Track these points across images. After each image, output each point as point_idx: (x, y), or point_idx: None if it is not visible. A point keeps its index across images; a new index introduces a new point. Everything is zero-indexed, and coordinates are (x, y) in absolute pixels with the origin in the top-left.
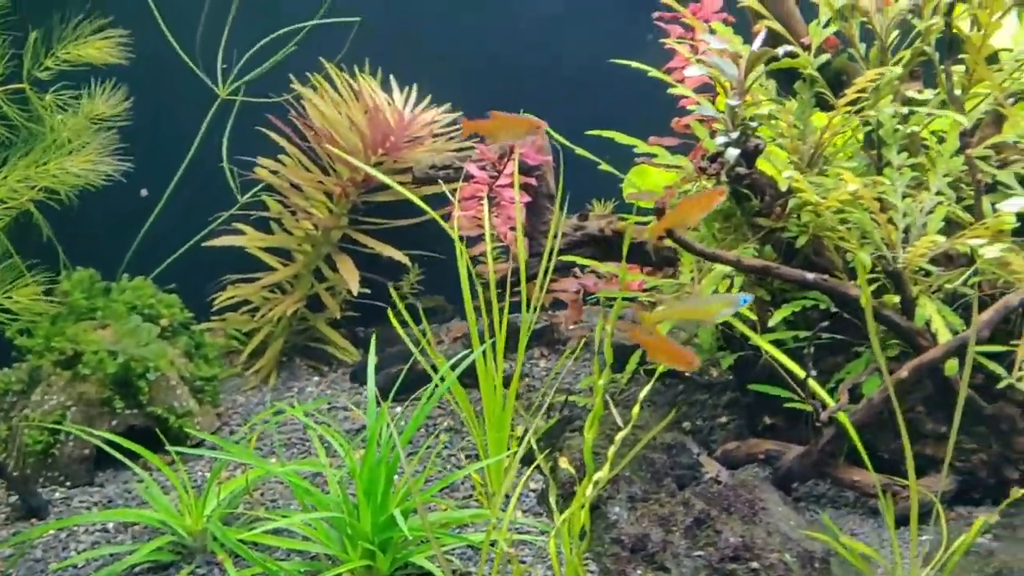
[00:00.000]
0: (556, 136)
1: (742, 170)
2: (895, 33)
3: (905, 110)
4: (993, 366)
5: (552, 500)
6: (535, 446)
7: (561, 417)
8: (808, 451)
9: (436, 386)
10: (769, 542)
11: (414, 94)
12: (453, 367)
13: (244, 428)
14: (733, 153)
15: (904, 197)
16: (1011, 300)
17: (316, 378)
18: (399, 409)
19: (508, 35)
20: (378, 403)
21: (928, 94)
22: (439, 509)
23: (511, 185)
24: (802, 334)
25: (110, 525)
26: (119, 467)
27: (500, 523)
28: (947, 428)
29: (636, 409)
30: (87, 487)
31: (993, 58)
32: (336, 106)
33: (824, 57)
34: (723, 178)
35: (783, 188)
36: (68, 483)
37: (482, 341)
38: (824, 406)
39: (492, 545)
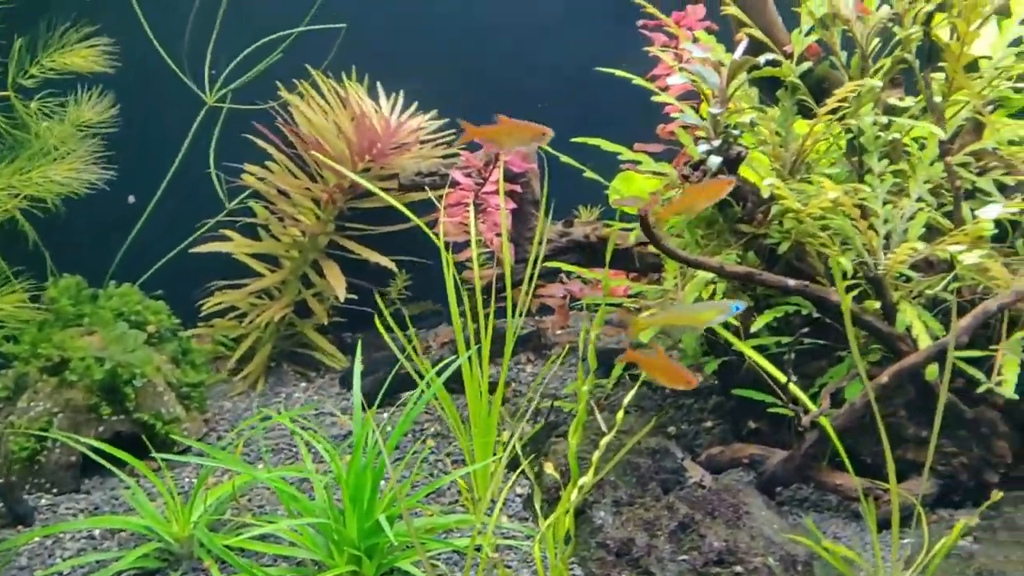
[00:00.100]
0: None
1: (724, 177)
2: (876, 41)
3: (885, 119)
4: (973, 371)
5: (537, 505)
6: (520, 452)
7: (547, 422)
8: (791, 455)
9: (422, 392)
10: (753, 546)
11: (400, 101)
12: (439, 373)
13: (231, 434)
14: (715, 161)
15: (885, 204)
16: (989, 305)
17: (304, 384)
18: (386, 415)
19: (494, 42)
20: (364, 409)
21: (909, 101)
22: (425, 515)
23: (497, 192)
24: (785, 339)
25: (96, 532)
26: (106, 474)
27: (485, 528)
28: (928, 432)
29: (620, 414)
30: (73, 494)
31: (973, 66)
32: (323, 113)
33: (806, 65)
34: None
35: (765, 195)
36: (54, 490)
37: (469, 347)
38: (806, 411)
39: (477, 550)
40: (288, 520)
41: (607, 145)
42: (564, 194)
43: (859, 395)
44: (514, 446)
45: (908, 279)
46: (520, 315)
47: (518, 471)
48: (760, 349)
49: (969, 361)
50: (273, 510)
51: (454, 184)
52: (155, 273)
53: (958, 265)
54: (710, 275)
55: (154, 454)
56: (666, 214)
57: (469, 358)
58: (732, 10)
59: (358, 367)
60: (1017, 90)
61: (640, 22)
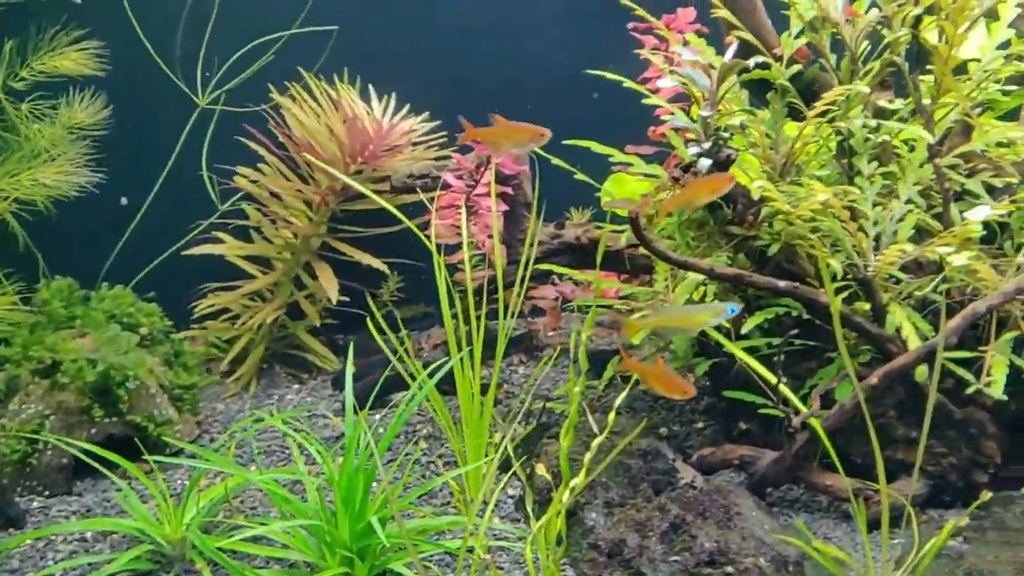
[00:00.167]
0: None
1: None
2: (865, 44)
3: (874, 123)
4: (962, 372)
5: (529, 506)
6: (512, 453)
7: (539, 424)
8: (781, 456)
9: (414, 394)
10: (744, 546)
11: (392, 103)
12: (431, 374)
13: (224, 436)
14: (706, 163)
15: (875, 205)
16: (978, 307)
17: (296, 386)
18: (378, 416)
19: (486, 44)
20: (356, 411)
21: (899, 103)
22: (417, 516)
23: (488, 194)
24: (775, 341)
25: (88, 534)
26: (98, 476)
27: (477, 529)
28: (918, 433)
29: (612, 415)
30: (65, 496)
31: (962, 68)
32: (315, 115)
33: (796, 67)
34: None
35: (755, 197)
36: (46, 492)
37: (460, 348)
38: (797, 412)
39: (469, 552)
40: (280, 522)
41: (598, 147)
42: (556, 196)
43: (849, 396)
44: (506, 448)
45: (898, 280)
46: (512, 317)
47: (510, 473)
48: (751, 350)
49: (958, 362)
50: (266, 512)
51: (446, 186)
52: (148, 275)
53: (947, 267)
54: (700, 277)
55: (146, 456)
56: (668, 207)
57: (461, 360)
58: (722, 13)
59: (350, 369)
60: (1005, 92)
61: (630, 25)
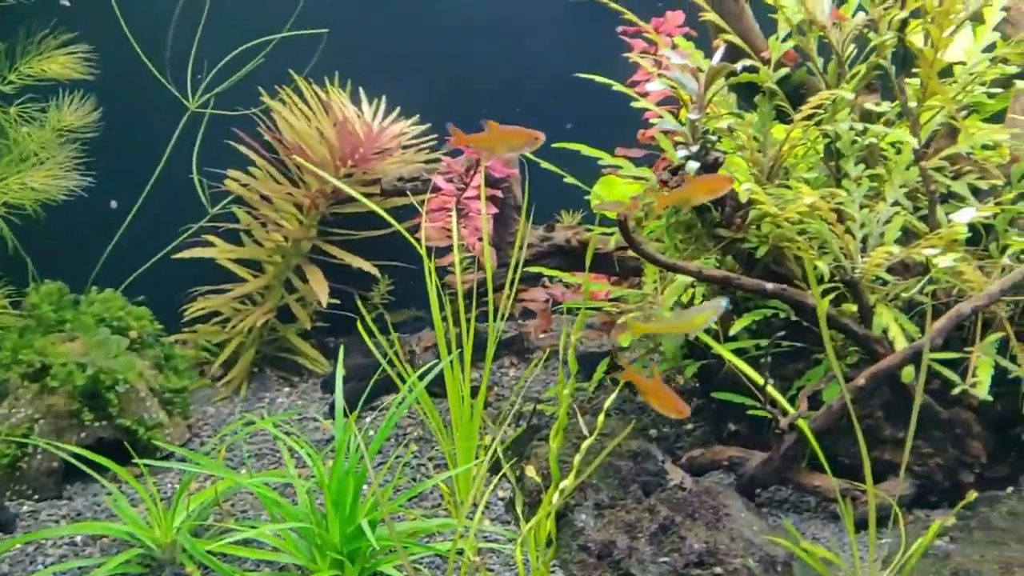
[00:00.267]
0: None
1: None
2: (851, 47)
3: (861, 126)
4: (948, 373)
5: (519, 508)
6: (501, 456)
7: (529, 426)
8: (770, 457)
9: (404, 397)
10: (732, 547)
11: (383, 106)
12: (421, 377)
13: (214, 439)
14: (693, 166)
15: (862, 208)
16: (963, 308)
17: (287, 389)
18: (369, 419)
19: (477, 47)
20: (346, 414)
21: (886, 106)
22: (407, 519)
23: (478, 197)
24: (764, 342)
25: (78, 538)
26: (88, 480)
27: (467, 532)
28: (904, 433)
29: (601, 417)
30: (55, 500)
31: (948, 71)
32: (305, 119)
33: (783, 71)
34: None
35: (743, 200)
36: (36, 496)
37: (451, 351)
38: (785, 413)
39: (459, 554)
40: (271, 525)
41: (587, 150)
42: (546, 199)
43: (836, 397)
44: (495, 450)
45: (885, 282)
46: (502, 319)
47: (499, 475)
48: (739, 352)
49: (944, 363)
50: (256, 515)
51: (436, 189)
52: (138, 278)
53: (933, 268)
54: (689, 279)
55: (136, 460)
56: (664, 203)
57: (451, 362)
58: (710, 16)
59: (340, 372)
60: (991, 95)
61: (620, 28)
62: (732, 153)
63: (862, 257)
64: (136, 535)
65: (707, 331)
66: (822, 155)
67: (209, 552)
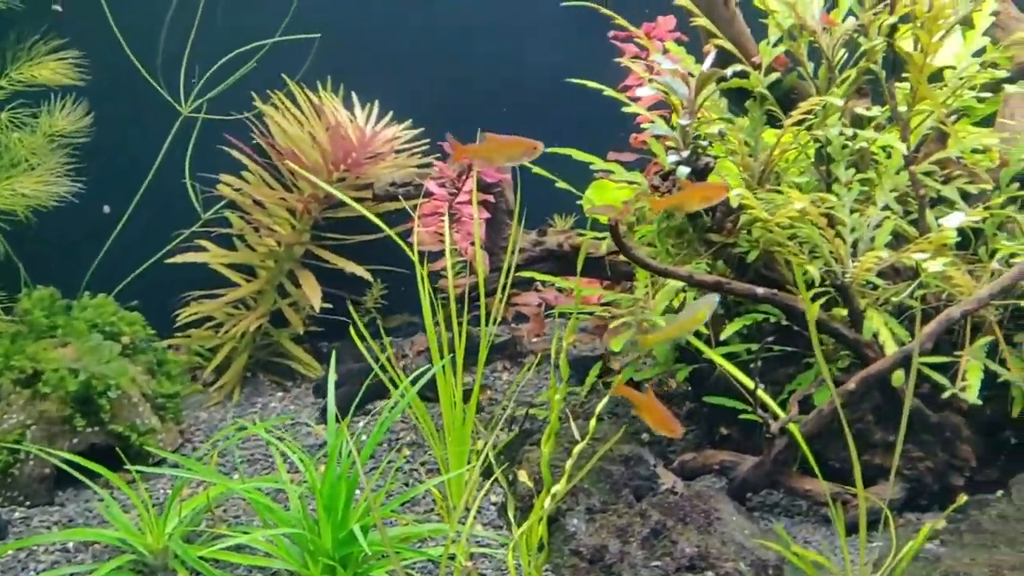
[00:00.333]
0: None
1: None
2: (842, 52)
3: (851, 131)
4: (938, 377)
5: (511, 513)
6: (493, 460)
7: (521, 430)
8: (761, 461)
9: (396, 402)
10: (724, 551)
11: (375, 110)
12: (413, 382)
13: (207, 444)
14: (684, 171)
15: (853, 212)
16: (953, 312)
17: (280, 393)
18: (362, 424)
19: (469, 51)
20: (338, 419)
21: (876, 111)
22: (400, 524)
23: (470, 202)
24: (755, 347)
25: (70, 544)
26: (80, 486)
27: (459, 537)
28: (895, 437)
29: (593, 422)
30: (47, 506)
31: (939, 76)
32: (298, 123)
33: (774, 76)
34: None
35: (734, 204)
36: (28, 503)
37: (443, 356)
38: (775, 417)
39: (451, 559)
40: (263, 530)
41: (579, 155)
42: (538, 203)
43: (826, 401)
44: (487, 455)
45: (875, 286)
46: (494, 323)
47: (490, 480)
48: (731, 356)
49: (934, 367)
50: (249, 520)
51: (428, 194)
52: (130, 284)
53: (923, 273)
54: (680, 284)
55: (128, 466)
56: (659, 207)
57: (444, 367)
58: (701, 21)
59: (332, 377)
60: (980, 99)
61: (611, 33)
62: (723, 158)
63: (852, 261)
64: (128, 541)
65: (698, 335)
66: (813, 160)
67: (201, 558)
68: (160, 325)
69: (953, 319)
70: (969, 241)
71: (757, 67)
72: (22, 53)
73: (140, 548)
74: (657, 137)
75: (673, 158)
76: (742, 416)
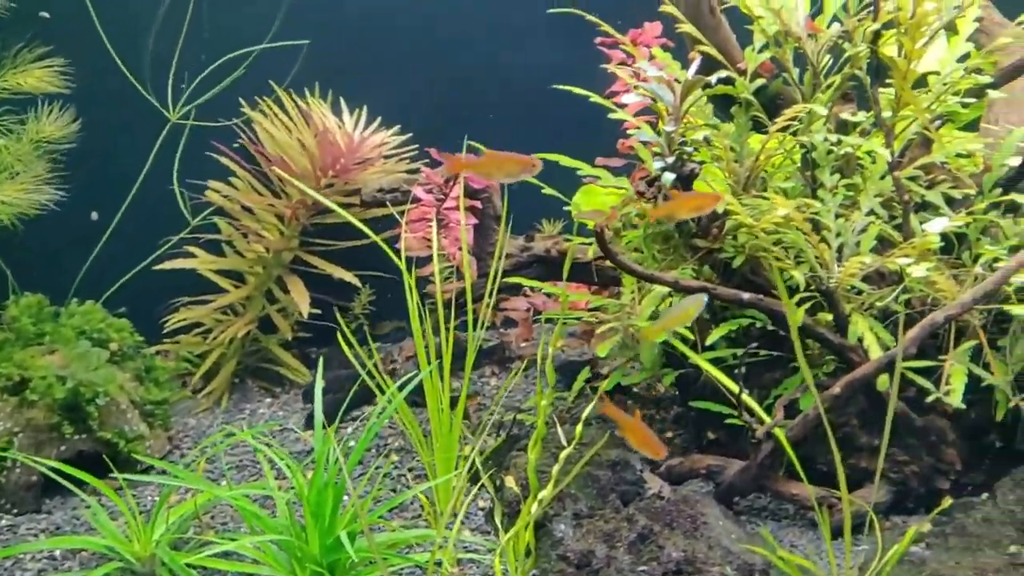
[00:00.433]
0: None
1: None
2: (827, 58)
3: (835, 137)
4: (922, 381)
5: (498, 519)
6: (479, 466)
7: (508, 436)
8: (747, 466)
9: (383, 408)
10: (710, 556)
11: (363, 116)
12: (401, 387)
13: (195, 451)
14: (669, 177)
15: (838, 217)
16: (937, 317)
17: (268, 399)
18: (350, 429)
19: (457, 58)
20: (325, 425)
21: (861, 116)
22: (387, 530)
23: (458, 208)
24: (741, 351)
25: (57, 552)
26: (67, 493)
27: (446, 542)
28: (880, 441)
29: (579, 428)
30: (34, 514)
31: (923, 81)
32: (287, 130)
33: (760, 82)
34: (660, 202)
35: (719, 210)
36: (15, 510)
37: (431, 361)
38: (761, 422)
39: (438, 565)
40: (250, 537)
41: (567, 161)
42: (527, 208)
43: (812, 406)
44: (474, 461)
45: (860, 291)
46: (482, 328)
47: (477, 486)
48: (718, 361)
49: (919, 371)
50: (236, 527)
51: (416, 200)
52: (119, 290)
53: (907, 277)
54: (666, 289)
55: (115, 473)
56: (653, 216)
57: (431, 373)
58: (687, 28)
59: (319, 383)
60: (965, 105)
61: (598, 40)
62: (709, 163)
63: (838, 266)
64: (115, 549)
65: (684, 341)
66: (799, 165)
67: (189, 565)
68: (148, 331)
69: (937, 324)
70: (953, 246)
71: (742, 73)
72: (7, 60)
73: (127, 556)
74: (644, 143)
75: (659, 164)
76: (729, 421)
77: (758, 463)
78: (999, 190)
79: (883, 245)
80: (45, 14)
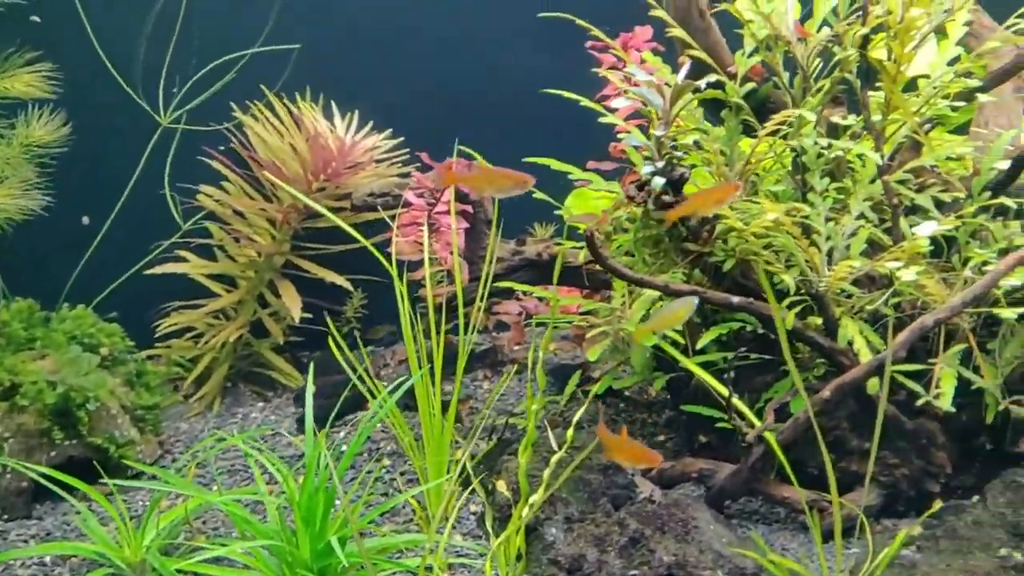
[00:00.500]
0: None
1: (668, 198)
2: (817, 62)
3: (825, 141)
4: (912, 384)
5: (489, 523)
6: (470, 470)
7: (500, 440)
8: (738, 469)
9: (375, 412)
10: (701, 559)
11: (355, 120)
12: (392, 391)
13: (186, 456)
14: (659, 182)
15: (828, 221)
16: (926, 321)
17: (260, 404)
18: (342, 433)
19: (448, 61)
20: (316, 430)
21: (852, 119)
22: (378, 535)
23: (449, 212)
24: (731, 355)
25: (48, 558)
26: (57, 499)
27: (437, 547)
28: (871, 444)
29: (571, 432)
30: (24, 520)
31: (914, 85)
32: (278, 134)
33: (750, 85)
34: (650, 206)
35: (709, 214)
36: (5, 516)
37: (423, 365)
38: (751, 425)
39: (428, 570)
40: (241, 542)
41: (557, 164)
42: (518, 212)
43: (802, 409)
44: (465, 465)
45: (850, 295)
46: (473, 332)
47: (468, 490)
48: (709, 364)
49: (909, 374)
50: (228, 532)
51: (407, 204)
52: (110, 295)
53: (896, 281)
54: (656, 293)
55: (105, 479)
56: (673, 216)
57: (423, 376)
58: (677, 32)
59: (310, 388)
60: (954, 108)
61: (588, 43)
62: (699, 167)
63: (828, 270)
64: (106, 554)
65: (675, 345)
66: (789, 169)
67: (179, 571)
68: (140, 336)
69: (926, 327)
70: (942, 249)
71: (732, 77)
72: None
73: (117, 561)
74: (635, 147)
75: (648, 168)
76: (720, 424)
77: (749, 467)
78: (988, 193)
79: (873, 249)
80: (36, 18)
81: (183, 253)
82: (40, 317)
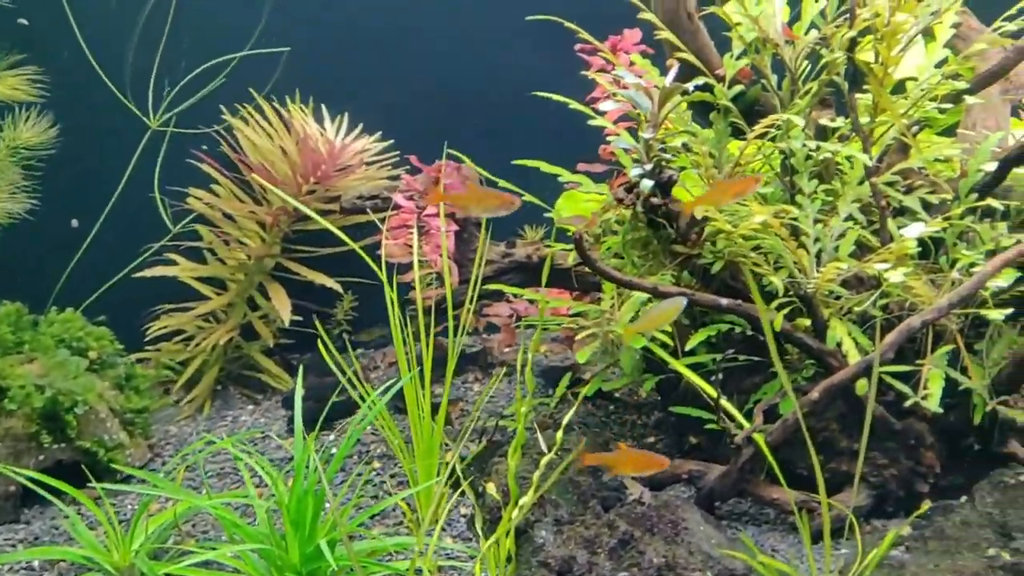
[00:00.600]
0: (483, 171)
1: (656, 200)
2: (805, 64)
3: (813, 144)
4: (900, 385)
5: (479, 526)
6: (460, 473)
7: (490, 442)
8: (728, 471)
9: (364, 415)
10: (691, 561)
11: (345, 123)
12: (382, 394)
13: (176, 459)
14: (647, 184)
15: (817, 223)
16: (914, 322)
17: (251, 406)
18: (332, 436)
19: (438, 64)
20: (305, 433)
21: (840, 121)
22: (368, 538)
23: (439, 214)
24: (721, 356)
25: (36, 563)
26: (46, 503)
27: (426, 550)
28: (860, 445)
29: (560, 434)
30: (13, 524)
31: (902, 87)
32: (268, 136)
33: (738, 88)
34: (639, 208)
35: (698, 216)
36: None
37: (413, 368)
38: (741, 426)
39: (419, 573)
40: (230, 546)
41: (547, 167)
42: (508, 216)
43: (791, 411)
44: (455, 467)
45: (838, 296)
46: (463, 334)
47: (457, 492)
48: (698, 366)
49: (897, 375)
50: (217, 536)
51: (396, 207)
52: (99, 298)
53: (885, 283)
54: (645, 295)
55: (93, 483)
56: (690, 208)
57: (412, 379)
58: (665, 35)
59: (299, 391)
60: (942, 110)
61: (577, 46)
62: (688, 169)
63: (816, 272)
64: (94, 559)
65: (664, 347)
66: (777, 171)
67: (168, 575)
68: (129, 339)
69: (914, 328)
70: (930, 251)
71: (721, 80)
72: None
73: (106, 565)
74: (624, 150)
75: (637, 171)
76: (709, 426)
77: (739, 468)
78: (976, 195)
79: (861, 250)
80: (24, 21)
81: (172, 256)
82: (28, 320)
